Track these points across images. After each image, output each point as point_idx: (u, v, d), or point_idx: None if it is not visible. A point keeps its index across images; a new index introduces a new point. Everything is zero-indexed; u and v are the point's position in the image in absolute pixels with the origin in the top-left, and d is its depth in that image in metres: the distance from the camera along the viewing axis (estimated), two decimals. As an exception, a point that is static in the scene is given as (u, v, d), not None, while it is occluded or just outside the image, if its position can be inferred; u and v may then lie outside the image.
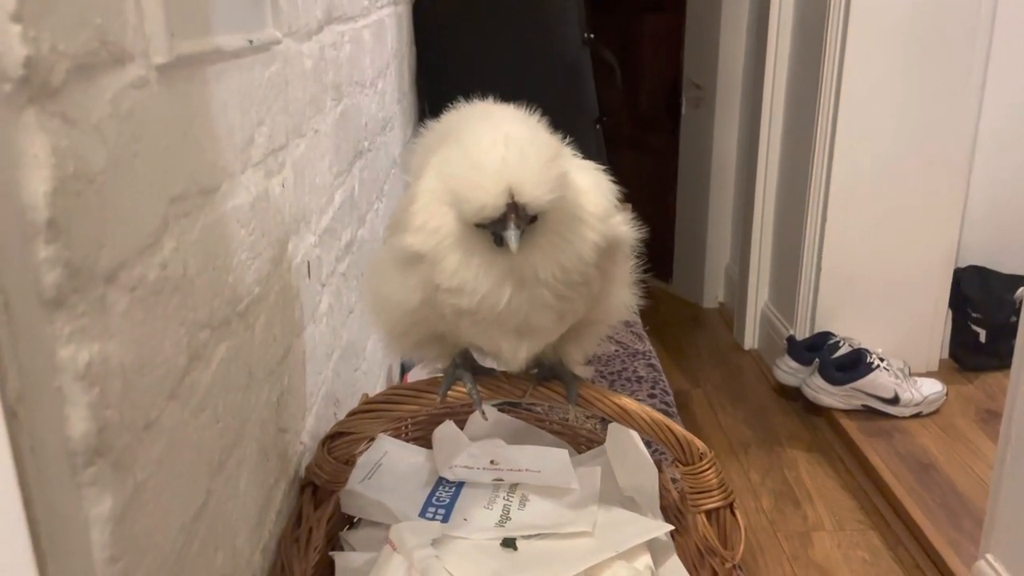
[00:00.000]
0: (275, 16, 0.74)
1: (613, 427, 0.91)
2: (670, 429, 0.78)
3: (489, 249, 0.64)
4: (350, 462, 0.85)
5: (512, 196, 0.60)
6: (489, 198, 0.60)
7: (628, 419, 0.78)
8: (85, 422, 0.40)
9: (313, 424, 0.90)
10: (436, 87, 2.04)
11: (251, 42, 0.66)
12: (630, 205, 0.76)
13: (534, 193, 0.61)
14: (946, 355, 2.75)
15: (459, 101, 0.79)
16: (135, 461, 0.45)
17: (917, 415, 2.41)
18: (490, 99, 0.76)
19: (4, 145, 0.35)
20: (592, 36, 2.06)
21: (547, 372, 0.80)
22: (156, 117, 0.49)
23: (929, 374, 2.59)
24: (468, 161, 0.61)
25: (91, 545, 0.42)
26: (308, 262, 0.89)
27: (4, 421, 0.35)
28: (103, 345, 0.42)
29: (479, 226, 0.63)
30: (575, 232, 0.67)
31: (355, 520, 0.91)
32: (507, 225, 0.61)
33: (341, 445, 0.82)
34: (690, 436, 0.78)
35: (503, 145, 0.60)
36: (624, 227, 0.73)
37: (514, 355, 0.74)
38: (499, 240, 0.63)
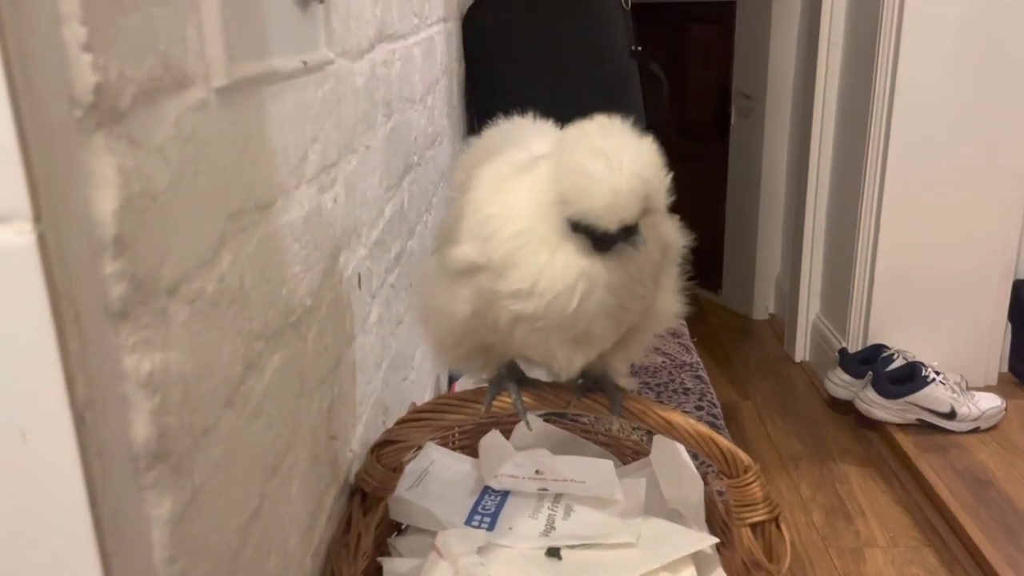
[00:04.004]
0: (328, 37, 0.76)
1: (658, 439, 0.91)
2: (714, 442, 0.78)
3: (575, 252, 0.66)
4: (398, 470, 0.86)
5: (646, 204, 0.64)
6: (628, 211, 0.63)
7: (672, 431, 0.79)
8: (147, 427, 0.42)
9: (363, 432, 0.92)
10: (485, 101, 2.06)
11: (305, 63, 0.68)
12: (678, 216, 0.77)
13: (662, 204, 0.65)
14: (1005, 368, 2.68)
15: (508, 114, 0.81)
16: (193, 465, 0.48)
17: (975, 430, 2.36)
18: (530, 115, 0.77)
19: (75, 167, 0.37)
20: (640, 48, 2.06)
21: (591, 383, 0.80)
22: (215, 137, 0.51)
23: (987, 388, 2.52)
24: (610, 169, 0.63)
25: (152, 545, 0.44)
26: (359, 274, 0.91)
27: (73, 426, 0.37)
28: (164, 354, 0.44)
29: (578, 230, 0.65)
30: (648, 238, 0.68)
31: (403, 527, 0.92)
32: (636, 231, 0.64)
33: (390, 453, 0.83)
34: (735, 449, 0.78)
35: (639, 155, 0.64)
36: (674, 234, 0.74)
37: (569, 364, 0.75)
38: (602, 245, 0.65)
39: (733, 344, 3.19)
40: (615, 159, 0.63)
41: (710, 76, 3.51)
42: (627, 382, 0.82)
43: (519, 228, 0.67)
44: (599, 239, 0.65)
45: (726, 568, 0.85)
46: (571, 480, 0.91)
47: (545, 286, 0.66)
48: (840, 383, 2.54)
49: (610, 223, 0.63)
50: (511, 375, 0.82)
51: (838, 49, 2.66)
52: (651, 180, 0.64)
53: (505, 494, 0.91)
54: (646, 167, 0.64)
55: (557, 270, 0.66)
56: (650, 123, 2.06)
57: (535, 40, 2.02)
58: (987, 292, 2.54)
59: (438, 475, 0.94)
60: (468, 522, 0.87)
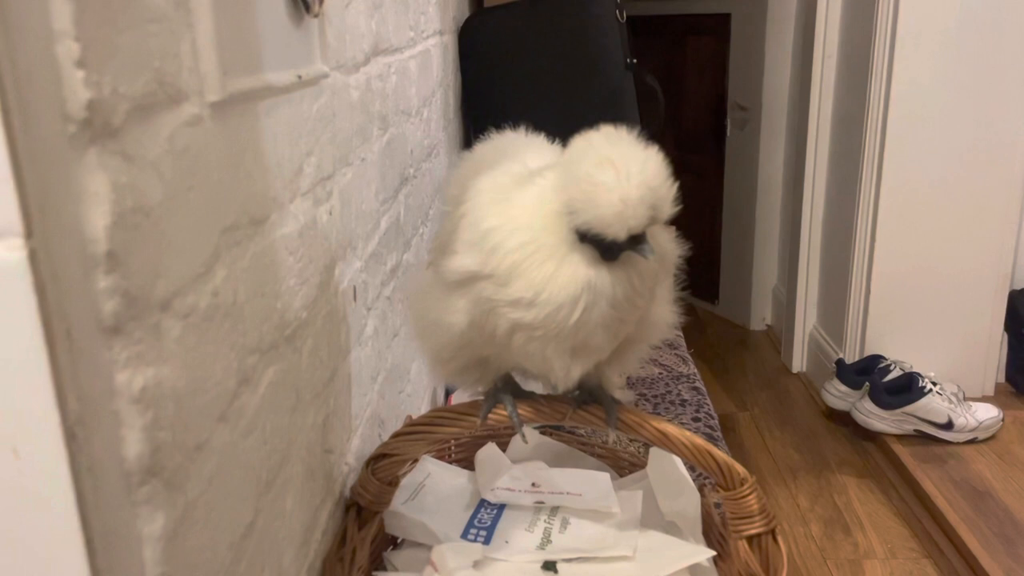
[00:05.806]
0: (323, 51, 0.76)
1: (655, 451, 0.91)
2: (710, 454, 0.78)
3: (581, 263, 0.66)
4: (394, 483, 0.86)
5: (653, 213, 0.65)
6: (636, 219, 0.64)
7: (668, 444, 0.79)
8: (140, 443, 0.42)
9: (358, 445, 0.92)
10: (481, 113, 2.07)
11: (300, 77, 0.68)
12: (674, 227, 0.78)
13: (669, 212, 0.66)
14: (1002, 379, 2.68)
15: (504, 126, 0.81)
16: (186, 481, 0.47)
17: (972, 441, 2.36)
18: (522, 129, 0.78)
19: (68, 183, 0.37)
20: (635, 61, 2.07)
21: (587, 395, 0.80)
22: (209, 152, 0.51)
23: (984, 399, 2.53)
24: (618, 178, 0.64)
25: (144, 562, 0.43)
26: (354, 287, 0.91)
27: (64, 442, 0.37)
28: (157, 370, 0.44)
29: (586, 240, 0.65)
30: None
31: (398, 540, 0.92)
32: (644, 239, 0.65)
33: (385, 466, 0.83)
34: (731, 461, 0.78)
35: (646, 164, 0.65)
36: (669, 244, 0.75)
37: (566, 374, 0.75)
38: (610, 254, 0.66)
39: (730, 355, 3.19)
40: (623, 168, 0.63)
41: (706, 88, 3.52)
42: (622, 394, 0.82)
43: (525, 239, 0.67)
44: (607, 248, 0.66)
45: (723, 581, 0.84)
46: (567, 493, 0.91)
47: (548, 296, 0.67)
48: (837, 394, 2.54)
49: (619, 232, 0.64)
50: (507, 388, 0.82)
51: (833, 60, 2.68)
52: (658, 189, 0.65)
53: (501, 507, 0.91)
54: (653, 176, 0.64)
55: (563, 281, 0.66)
56: (646, 135, 2.06)
57: (531, 53, 2.03)
58: (984, 302, 2.55)
59: (434, 488, 0.94)
60: (464, 536, 0.86)
